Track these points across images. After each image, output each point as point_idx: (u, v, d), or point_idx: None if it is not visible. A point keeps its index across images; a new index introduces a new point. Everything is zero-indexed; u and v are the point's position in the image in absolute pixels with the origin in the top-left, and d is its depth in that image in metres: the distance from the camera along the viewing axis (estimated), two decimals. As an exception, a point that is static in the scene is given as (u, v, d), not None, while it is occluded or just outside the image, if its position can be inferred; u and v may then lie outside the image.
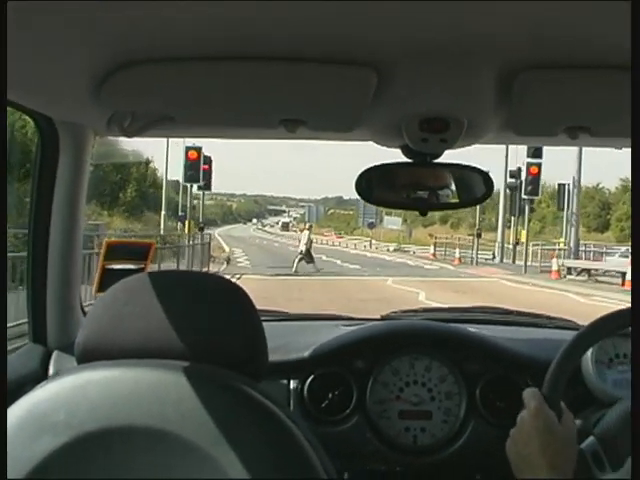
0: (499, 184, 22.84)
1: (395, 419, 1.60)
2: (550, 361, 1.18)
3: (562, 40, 0.91)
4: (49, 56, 0.94)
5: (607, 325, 1.18)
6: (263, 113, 1.16)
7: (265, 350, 1.01)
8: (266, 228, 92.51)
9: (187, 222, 19.62)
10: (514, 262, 23.97)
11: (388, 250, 37.46)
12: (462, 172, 1.34)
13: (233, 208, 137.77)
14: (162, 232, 20.87)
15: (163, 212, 22.62)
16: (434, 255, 29.01)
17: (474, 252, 24.50)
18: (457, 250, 25.95)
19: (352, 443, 1.58)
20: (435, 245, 30.56)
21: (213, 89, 1.07)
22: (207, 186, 20.73)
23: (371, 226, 43.67)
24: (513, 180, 20.26)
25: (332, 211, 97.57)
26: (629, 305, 0.95)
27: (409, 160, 1.31)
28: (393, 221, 45.00)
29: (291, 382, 1.60)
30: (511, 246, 25.52)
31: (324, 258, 24.15)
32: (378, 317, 1.97)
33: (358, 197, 1.35)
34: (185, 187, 21.10)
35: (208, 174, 19.95)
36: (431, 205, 1.36)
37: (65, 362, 1.43)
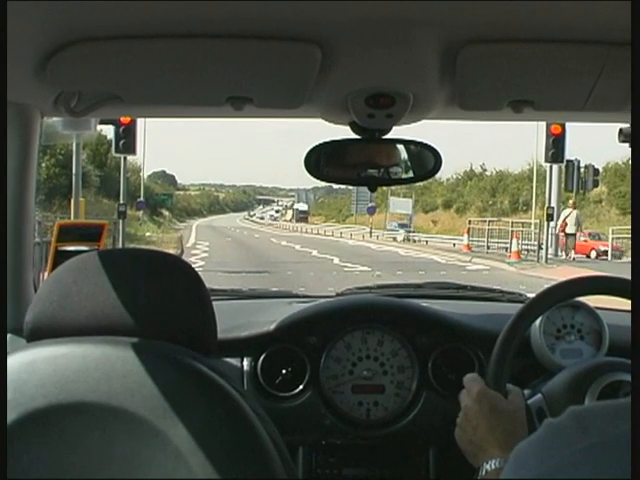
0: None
1: (348, 393, 1.62)
2: (500, 333, 1.24)
3: (504, 14, 0.93)
4: None
5: (549, 298, 1.22)
6: (209, 91, 1.18)
7: (213, 325, 1.01)
8: (254, 218, 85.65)
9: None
10: (567, 255, 18.29)
11: (395, 240, 29.93)
12: (412, 148, 1.36)
13: (220, 198, 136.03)
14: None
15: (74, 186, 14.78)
16: (469, 247, 21.31)
17: (542, 242, 16.50)
18: (514, 241, 17.43)
19: (306, 418, 1.60)
20: (469, 232, 22.71)
21: (159, 68, 1.08)
22: (128, 147, 13.36)
23: (371, 211, 35.39)
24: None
25: (322, 199, 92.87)
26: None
27: (358, 137, 1.33)
28: (401, 203, 35.98)
29: (244, 360, 1.61)
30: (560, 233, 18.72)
31: (314, 254, 19.58)
32: (333, 294, 1.99)
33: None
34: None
35: (128, 131, 12.70)
36: (383, 181, 1.40)
37: (19, 345, 1.37)
